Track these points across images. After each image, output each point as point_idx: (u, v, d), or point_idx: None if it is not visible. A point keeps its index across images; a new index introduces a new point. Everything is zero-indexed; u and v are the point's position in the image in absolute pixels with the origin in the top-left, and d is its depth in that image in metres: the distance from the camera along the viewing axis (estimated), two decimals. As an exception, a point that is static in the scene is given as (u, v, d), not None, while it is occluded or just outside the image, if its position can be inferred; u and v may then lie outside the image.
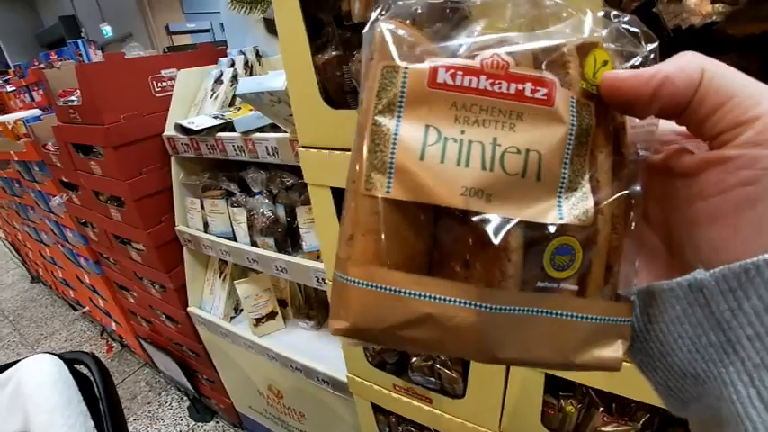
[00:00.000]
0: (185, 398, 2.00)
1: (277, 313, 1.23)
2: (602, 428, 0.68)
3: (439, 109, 0.20)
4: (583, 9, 0.22)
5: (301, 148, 0.71)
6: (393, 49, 0.20)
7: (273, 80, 0.79)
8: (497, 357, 0.20)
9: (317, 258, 1.01)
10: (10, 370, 0.96)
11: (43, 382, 0.90)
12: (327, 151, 0.68)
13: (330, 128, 0.66)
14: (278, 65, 1.26)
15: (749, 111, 0.18)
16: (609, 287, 0.21)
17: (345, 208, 0.21)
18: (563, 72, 0.20)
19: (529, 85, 0.20)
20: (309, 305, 1.29)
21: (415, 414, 0.87)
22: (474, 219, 0.19)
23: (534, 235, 0.20)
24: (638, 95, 0.19)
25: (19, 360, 0.96)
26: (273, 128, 1.00)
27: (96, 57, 2.80)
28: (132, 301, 1.77)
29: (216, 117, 1.10)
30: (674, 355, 0.20)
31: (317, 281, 0.97)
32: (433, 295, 0.20)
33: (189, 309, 1.38)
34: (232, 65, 1.27)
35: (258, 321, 1.22)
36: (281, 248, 1.06)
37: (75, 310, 2.67)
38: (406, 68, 0.20)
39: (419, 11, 0.22)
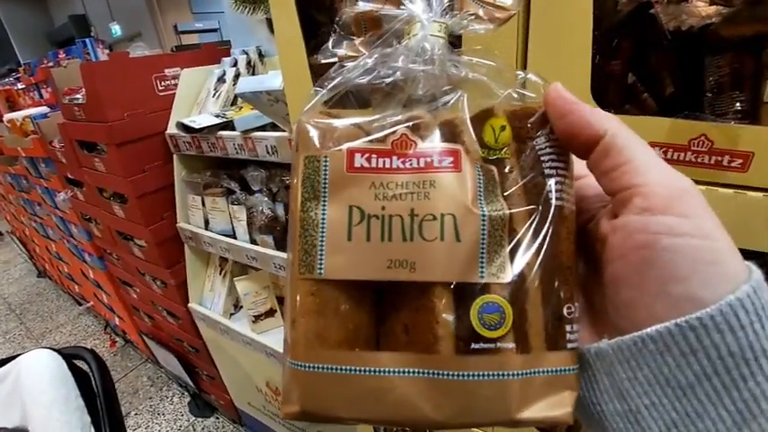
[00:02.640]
0: (186, 393, 2.02)
1: (276, 311, 1.24)
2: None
3: (360, 190, 0.21)
4: (479, 80, 0.24)
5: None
6: (313, 139, 0.22)
7: (272, 80, 0.80)
8: (443, 423, 0.20)
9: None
10: (9, 365, 0.97)
11: (41, 377, 0.91)
12: (322, 150, 0.69)
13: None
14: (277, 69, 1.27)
15: (640, 177, 0.19)
16: (556, 336, 0.21)
17: (286, 294, 0.23)
18: (461, 140, 0.22)
19: (436, 156, 0.21)
20: (308, 303, 1.30)
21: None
22: (403, 287, 0.21)
23: (461, 296, 0.21)
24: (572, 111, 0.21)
25: (19, 354, 0.98)
26: (274, 127, 1.01)
27: (104, 55, 2.84)
28: (135, 296, 1.79)
29: (217, 116, 1.11)
30: (592, 420, 0.21)
31: (314, 278, 0.98)
32: (373, 369, 0.21)
33: (189, 305, 1.39)
34: (235, 64, 1.28)
35: (257, 318, 1.23)
36: (279, 246, 1.07)
37: (80, 304, 2.70)
38: (326, 156, 0.22)
39: (344, 91, 0.24)
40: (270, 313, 1.24)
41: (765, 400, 0.17)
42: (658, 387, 0.18)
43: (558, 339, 0.21)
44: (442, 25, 0.26)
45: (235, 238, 1.17)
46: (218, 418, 1.91)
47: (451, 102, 0.23)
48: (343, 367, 0.21)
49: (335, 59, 0.32)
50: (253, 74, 1.27)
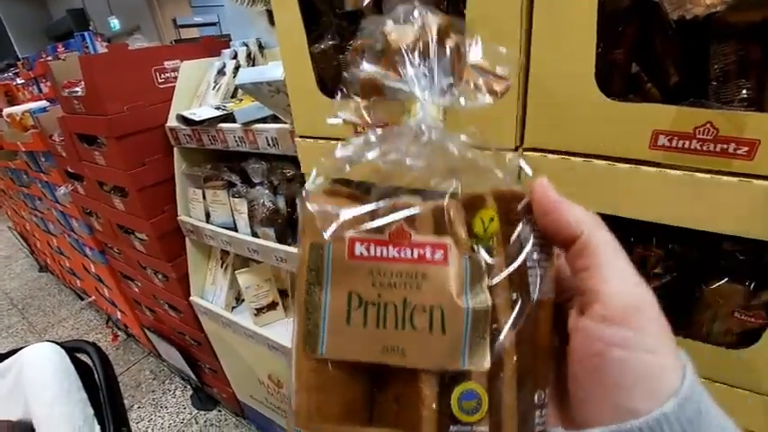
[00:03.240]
0: (188, 387, 2.03)
1: (278, 303, 1.25)
2: None
3: (359, 277, 0.23)
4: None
5: (298, 138, 0.72)
6: (318, 225, 0.24)
7: (272, 71, 0.79)
8: None
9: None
10: (11, 358, 0.98)
11: (44, 370, 0.91)
12: (324, 141, 0.68)
13: (326, 118, 0.66)
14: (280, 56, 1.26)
15: (604, 284, 0.21)
16: (527, 421, 0.23)
17: (292, 362, 0.25)
18: (452, 231, 0.24)
19: (428, 249, 0.23)
20: (309, 296, 1.30)
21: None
22: (394, 370, 0.23)
23: (445, 381, 0.23)
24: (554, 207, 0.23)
25: (21, 348, 0.98)
26: (274, 119, 1.00)
27: (103, 49, 2.82)
28: (136, 290, 1.79)
29: (218, 108, 1.10)
30: None
31: (316, 271, 0.98)
32: None
33: (191, 298, 1.39)
34: (235, 56, 1.27)
35: (259, 311, 1.23)
36: (281, 239, 1.07)
37: (82, 299, 2.71)
38: (330, 244, 0.24)
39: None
40: (272, 306, 1.24)
41: None
42: None
43: (529, 423, 0.23)
44: (441, 108, 0.28)
45: (236, 230, 1.17)
46: (220, 411, 1.92)
47: (448, 190, 0.24)
48: None
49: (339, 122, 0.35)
50: (253, 66, 1.26)
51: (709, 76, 0.49)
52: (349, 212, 0.24)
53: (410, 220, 0.24)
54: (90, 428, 0.88)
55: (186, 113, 1.10)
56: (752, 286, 0.50)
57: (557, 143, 0.51)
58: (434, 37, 0.29)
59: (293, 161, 1.09)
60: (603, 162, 0.49)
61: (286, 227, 1.08)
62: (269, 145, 0.98)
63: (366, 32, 0.31)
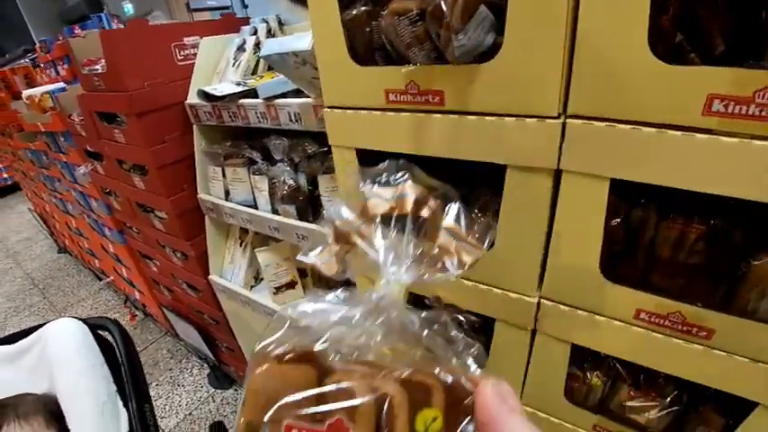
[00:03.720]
0: (205, 365, 2.06)
1: (297, 283, 1.25)
2: (628, 403, 0.67)
3: None
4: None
5: (327, 109, 0.70)
6: (258, 400, 0.24)
7: (299, 41, 0.77)
8: None
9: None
10: (35, 333, 0.99)
11: (68, 345, 0.92)
12: (353, 111, 0.67)
13: (357, 86, 0.65)
14: (300, 33, 1.24)
15: None
16: None
17: None
18: (393, 426, 0.23)
19: None
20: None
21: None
22: None
23: None
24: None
25: (44, 323, 0.99)
26: (296, 93, 0.99)
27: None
28: (155, 269, 1.81)
29: (238, 84, 1.09)
30: None
31: (338, 248, 0.97)
32: None
33: (210, 277, 1.40)
34: (255, 33, 1.26)
35: (278, 290, 1.23)
36: (302, 217, 1.06)
37: (100, 279, 2.75)
38: (266, 427, 0.23)
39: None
40: (291, 285, 1.24)
41: None
42: None
43: None
44: (404, 287, 0.29)
45: (256, 208, 1.17)
46: (236, 389, 1.95)
47: (396, 374, 0.24)
48: None
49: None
50: (273, 42, 1.24)
51: (765, 40, 0.46)
52: (292, 397, 0.24)
53: (351, 411, 0.24)
54: (113, 404, 0.89)
55: (208, 89, 1.09)
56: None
57: (603, 109, 0.48)
58: (410, 209, 0.30)
59: (315, 137, 1.08)
60: (652, 129, 0.46)
61: (307, 204, 1.08)
62: (291, 120, 0.97)
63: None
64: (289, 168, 1.09)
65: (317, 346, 0.26)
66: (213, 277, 1.39)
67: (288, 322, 0.27)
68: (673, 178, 0.47)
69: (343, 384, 0.24)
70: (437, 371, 0.26)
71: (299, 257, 0.34)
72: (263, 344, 0.26)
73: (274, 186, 1.10)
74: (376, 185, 0.33)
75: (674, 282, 0.56)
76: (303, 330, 0.27)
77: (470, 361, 0.27)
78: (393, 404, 0.24)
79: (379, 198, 0.31)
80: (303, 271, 1.28)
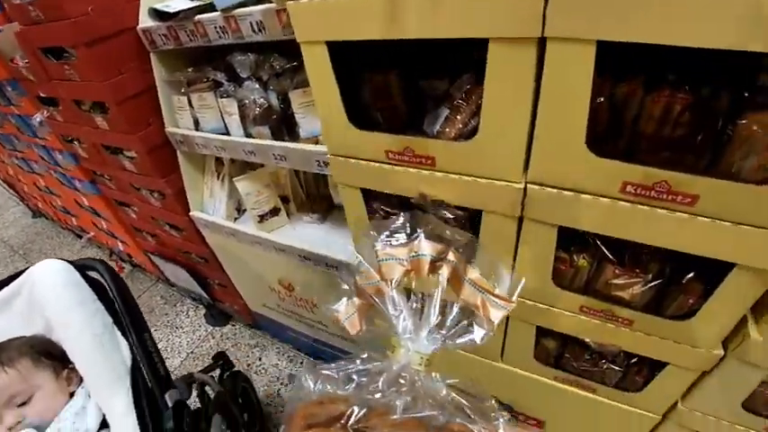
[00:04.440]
0: (200, 306, 2.09)
1: (280, 209, 1.23)
2: (613, 281, 0.69)
3: None
4: None
5: (290, 2, 0.64)
6: None
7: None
8: None
9: (316, 144, 0.97)
10: (21, 277, 0.96)
11: (55, 283, 0.91)
12: (319, -1, 0.61)
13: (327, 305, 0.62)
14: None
15: None
16: None
17: None
18: None
19: None
20: (312, 200, 1.29)
21: (426, 285, 0.90)
22: None
23: None
24: None
25: (27, 267, 0.97)
26: (257, 2, 0.91)
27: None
28: (134, 216, 1.77)
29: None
30: None
31: (319, 165, 0.94)
32: None
33: (191, 213, 1.37)
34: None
35: (262, 218, 1.22)
36: (276, 137, 1.03)
37: (81, 237, 2.70)
38: None
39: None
40: (274, 212, 1.23)
41: None
42: None
43: None
44: (424, 358, 0.30)
45: (228, 135, 1.12)
46: (234, 325, 1.99)
47: None
48: None
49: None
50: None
51: None
52: None
53: None
54: (111, 335, 0.89)
55: (159, 6, 1.00)
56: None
57: None
58: (426, 271, 0.30)
59: (282, 52, 1.02)
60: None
61: (281, 123, 1.03)
62: (254, 31, 0.90)
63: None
64: (257, 86, 1.03)
65: (344, 410, 0.28)
66: (194, 213, 1.36)
67: (311, 387, 0.30)
68: (658, 33, 0.44)
69: None
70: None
71: (328, 306, 0.36)
72: (292, 406, 0.29)
73: (244, 108, 1.05)
74: (388, 246, 0.32)
75: (660, 156, 0.56)
76: (327, 394, 0.29)
77: (501, 423, 0.29)
78: None
79: (394, 260, 0.30)
80: (285, 198, 1.26)
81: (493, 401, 0.29)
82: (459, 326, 0.31)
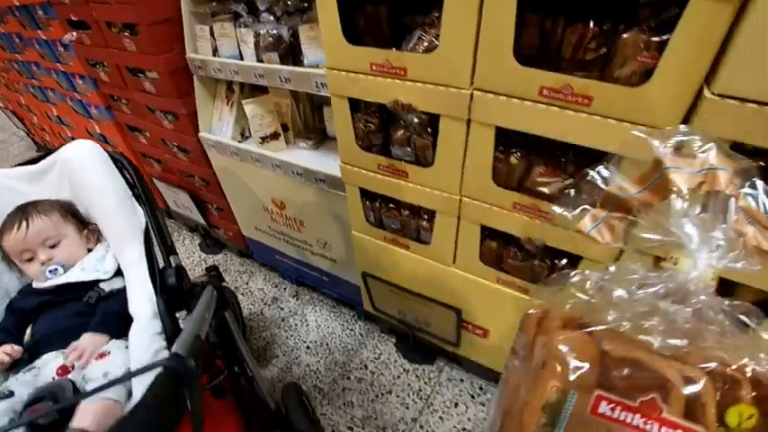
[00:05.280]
0: (196, 235, 2.27)
1: (280, 134, 1.41)
2: (538, 179, 0.89)
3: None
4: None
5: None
6: (564, 365, 0.25)
7: None
8: None
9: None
10: (55, 153, 1.13)
11: (85, 155, 1.06)
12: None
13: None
14: None
15: None
16: None
17: None
18: (702, 419, 0.23)
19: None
20: (309, 129, 1.47)
21: (395, 190, 1.09)
22: None
23: None
24: None
25: (59, 147, 1.13)
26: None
27: None
28: (144, 141, 1.93)
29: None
30: None
31: (317, 86, 1.13)
32: None
33: (200, 134, 1.55)
34: None
35: (263, 140, 1.40)
36: (283, 62, 1.21)
37: (86, 169, 2.83)
38: (574, 394, 0.25)
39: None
40: (275, 136, 1.41)
41: None
42: None
43: None
44: (717, 273, 0.27)
45: (243, 60, 1.30)
46: (225, 253, 2.18)
47: (706, 368, 0.24)
48: None
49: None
50: None
51: None
52: (596, 369, 0.25)
53: (665, 395, 0.24)
54: (130, 200, 1.05)
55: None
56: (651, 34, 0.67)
57: None
58: (723, 187, 0.27)
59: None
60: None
61: (288, 52, 1.21)
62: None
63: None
64: (272, 19, 1.21)
65: (608, 319, 0.26)
66: (203, 134, 1.54)
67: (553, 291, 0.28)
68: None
69: (654, 367, 0.25)
70: (745, 363, 0.25)
71: (566, 214, 0.33)
72: (538, 303, 0.28)
73: (259, 37, 1.22)
74: (674, 155, 0.30)
75: (571, 69, 0.75)
76: (585, 300, 0.28)
77: None
78: (702, 393, 0.24)
79: (684, 171, 0.28)
80: (285, 126, 1.44)
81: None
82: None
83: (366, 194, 1.21)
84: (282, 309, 1.92)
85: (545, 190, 0.88)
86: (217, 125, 1.54)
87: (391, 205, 1.17)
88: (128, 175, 1.11)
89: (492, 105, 0.80)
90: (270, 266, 2.09)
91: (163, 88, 1.52)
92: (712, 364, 0.25)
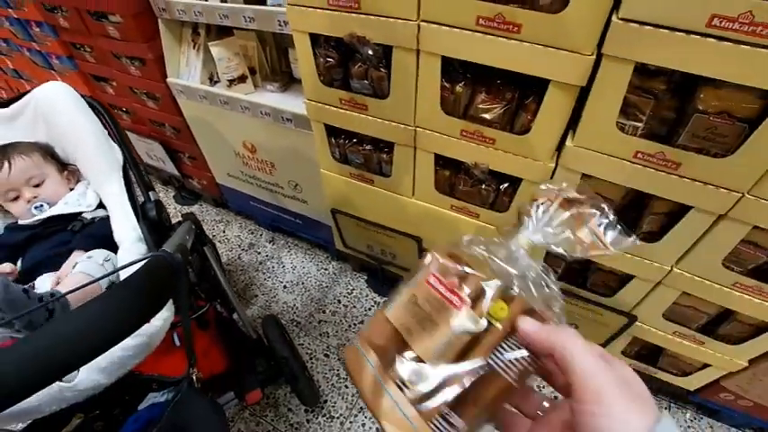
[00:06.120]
0: (170, 189, 2.31)
1: (247, 77, 1.46)
2: (480, 106, 0.99)
3: (420, 290, 0.40)
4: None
5: None
6: (429, 259, 0.41)
7: None
8: None
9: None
10: (27, 96, 1.15)
11: (58, 95, 1.09)
12: None
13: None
14: None
15: (577, 377, 0.31)
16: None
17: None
18: (479, 301, 0.37)
19: (455, 298, 0.37)
20: (275, 73, 1.52)
21: (356, 123, 1.17)
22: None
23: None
24: (532, 339, 0.35)
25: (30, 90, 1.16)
26: None
27: None
28: (111, 92, 1.93)
29: None
30: None
31: (279, 24, 1.18)
32: None
33: (168, 79, 1.57)
34: None
35: (231, 83, 1.44)
36: (247, 2, 1.24)
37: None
38: (424, 270, 0.41)
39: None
40: (242, 79, 1.45)
41: None
42: None
43: (430, 416, 0.35)
44: (530, 243, 0.40)
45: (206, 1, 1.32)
46: (201, 204, 2.24)
47: (499, 286, 0.37)
48: None
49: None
50: None
51: None
52: (448, 265, 0.39)
53: (468, 282, 0.37)
54: (106, 138, 1.10)
55: None
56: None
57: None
58: (559, 203, 0.41)
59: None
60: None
61: (252, -7, 1.25)
62: None
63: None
64: (233, -43, 1.23)
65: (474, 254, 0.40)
66: (171, 79, 1.57)
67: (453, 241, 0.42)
68: None
69: (472, 270, 0.38)
70: (527, 298, 0.37)
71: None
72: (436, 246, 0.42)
73: (221, -23, 1.25)
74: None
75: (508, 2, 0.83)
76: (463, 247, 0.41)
77: (557, 311, 0.38)
78: (487, 294, 0.37)
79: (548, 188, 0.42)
80: (252, 69, 1.48)
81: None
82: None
83: (331, 131, 1.29)
84: (259, 253, 2.02)
85: (487, 116, 0.99)
86: (184, 70, 1.57)
87: (354, 140, 1.26)
88: (101, 119, 1.16)
89: (437, 35, 0.89)
90: (245, 214, 2.17)
91: (127, 32, 1.52)
92: (500, 282, 0.38)
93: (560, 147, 0.97)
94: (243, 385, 1.24)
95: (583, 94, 0.86)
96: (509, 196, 1.14)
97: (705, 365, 1.25)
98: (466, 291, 0.37)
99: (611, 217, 0.40)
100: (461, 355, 0.36)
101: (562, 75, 0.84)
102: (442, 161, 1.16)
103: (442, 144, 1.08)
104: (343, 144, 1.28)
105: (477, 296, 0.37)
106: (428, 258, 0.42)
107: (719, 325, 1.14)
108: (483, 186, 1.15)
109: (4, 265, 0.96)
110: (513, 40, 0.83)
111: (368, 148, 1.25)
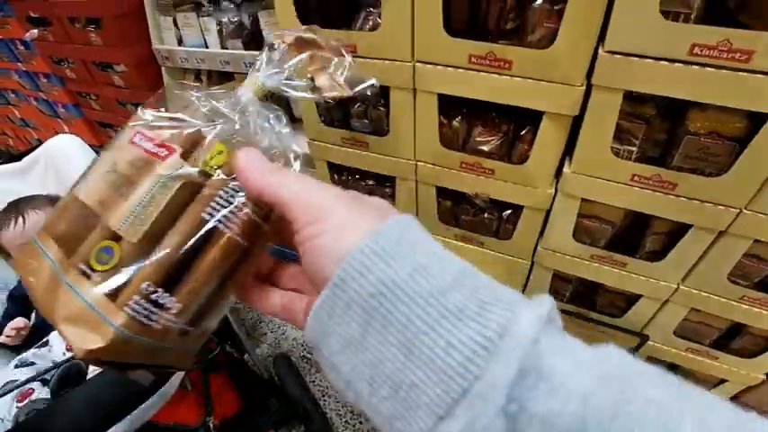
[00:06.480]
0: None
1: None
2: (478, 138, 1.02)
3: (122, 153, 0.33)
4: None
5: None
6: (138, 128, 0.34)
7: None
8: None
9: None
10: (39, 148, 1.20)
11: (70, 147, 1.16)
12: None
13: None
14: None
15: (291, 210, 0.26)
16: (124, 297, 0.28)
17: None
18: (194, 153, 0.32)
19: (164, 150, 0.32)
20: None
21: (358, 160, 1.20)
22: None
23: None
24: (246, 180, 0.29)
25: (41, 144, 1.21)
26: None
27: None
28: (116, 136, 1.98)
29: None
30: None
31: (279, 68, 1.22)
32: None
33: (172, 123, 1.61)
34: None
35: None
36: (247, 48, 1.29)
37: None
38: (128, 131, 0.34)
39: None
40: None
41: (414, 324, 0.21)
42: (344, 347, 0.23)
43: (125, 299, 0.28)
44: (257, 84, 0.35)
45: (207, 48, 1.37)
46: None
47: (216, 133, 0.33)
48: None
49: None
50: None
51: None
52: (154, 118, 0.34)
53: (188, 137, 0.32)
54: None
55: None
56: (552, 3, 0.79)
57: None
58: (294, 45, 0.37)
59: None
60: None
61: (251, 39, 1.30)
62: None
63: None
64: (233, 7, 1.29)
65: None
66: (175, 123, 1.61)
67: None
68: None
69: (188, 119, 0.33)
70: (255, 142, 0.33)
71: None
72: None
73: (221, 26, 1.30)
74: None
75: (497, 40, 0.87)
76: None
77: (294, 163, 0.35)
78: (203, 142, 0.32)
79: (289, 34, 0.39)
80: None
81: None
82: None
83: (333, 169, 1.32)
84: (265, 287, 2.02)
85: (485, 148, 1.01)
86: (187, 114, 1.61)
87: (357, 176, 1.29)
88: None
89: (431, 75, 0.92)
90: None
91: (132, 80, 1.58)
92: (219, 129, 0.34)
93: (558, 173, 0.99)
94: (256, 427, 1.23)
95: (577, 121, 0.89)
96: (512, 223, 1.16)
97: (721, 381, 1.23)
98: (179, 142, 0.32)
99: (349, 60, 0.38)
100: (172, 222, 0.30)
101: (554, 106, 0.87)
102: (443, 193, 1.18)
103: (442, 177, 1.11)
104: (346, 180, 1.31)
105: (194, 144, 0.32)
106: (134, 118, 0.35)
107: (732, 339, 1.13)
108: (485, 215, 1.16)
109: (18, 319, 0.97)
110: (504, 75, 0.86)
111: (370, 183, 1.27)
